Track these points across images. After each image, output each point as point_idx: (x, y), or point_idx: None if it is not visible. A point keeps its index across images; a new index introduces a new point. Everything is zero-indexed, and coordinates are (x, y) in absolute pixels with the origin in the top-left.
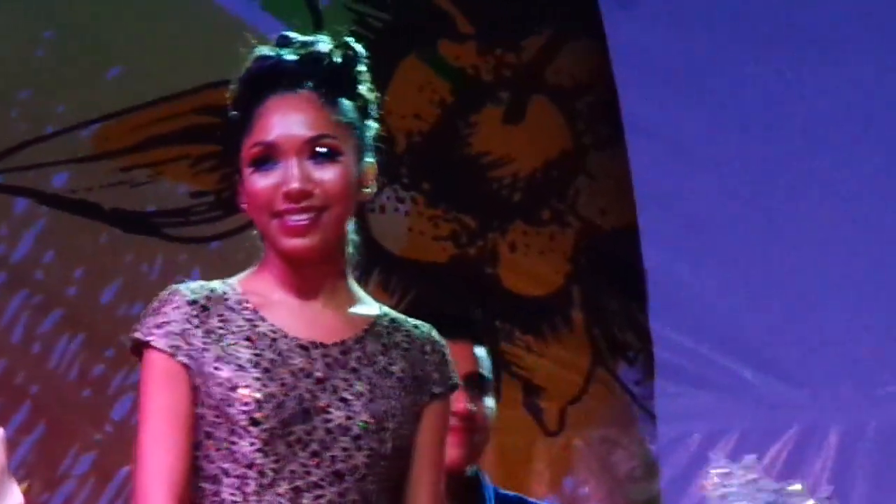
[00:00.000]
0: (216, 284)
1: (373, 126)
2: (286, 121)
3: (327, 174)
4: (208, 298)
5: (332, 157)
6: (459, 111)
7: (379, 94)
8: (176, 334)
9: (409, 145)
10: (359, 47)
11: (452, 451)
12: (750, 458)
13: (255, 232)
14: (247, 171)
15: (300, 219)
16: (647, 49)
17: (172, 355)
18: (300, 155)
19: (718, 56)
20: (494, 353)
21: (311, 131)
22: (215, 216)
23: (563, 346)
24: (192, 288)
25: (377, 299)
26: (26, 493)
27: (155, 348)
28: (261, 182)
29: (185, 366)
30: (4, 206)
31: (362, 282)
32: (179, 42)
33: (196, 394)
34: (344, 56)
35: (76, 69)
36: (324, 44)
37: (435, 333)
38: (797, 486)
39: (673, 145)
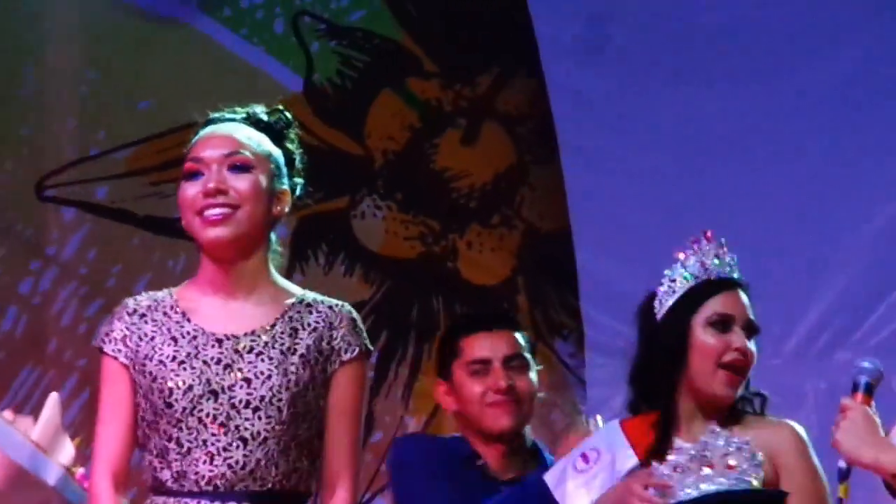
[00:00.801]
0: (161, 293)
1: (297, 180)
2: (212, 142)
3: (240, 181)
4: (148, 308)
5: (245, 169)
6: (425, 135)
7: (301, 148)
8: (119, 340)
9: (385, 162)
10: (289, 115)
11: (502, 420)
12: None
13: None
14: (182, 185)
15: (216, 212)
16: (577, 83)
17: (116, 358)
18: (220, 165)
19: (636, 87)
20: None
21: (228, 149)
22: None
23: None
24: (138, 299)
25: (355, 288)
26: (78, 448)
27: (106, 353)
28: (189, 189)
29: (126, 365)
30: (56, 215)
31: (348, 274)
32: (196, 79)
33: (135, 386)
34: (276, 119)
35: (113, 103)
36: (261, 110)
37: (347, 308)
38: None
39: (599, 162)
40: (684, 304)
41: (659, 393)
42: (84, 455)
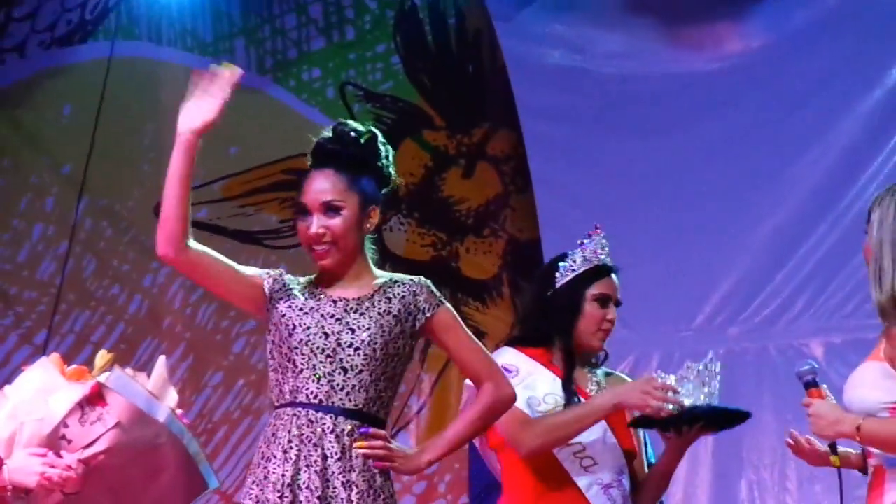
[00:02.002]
0: (303, 278)
1: (390, 179)
2: (312, 190)
3: (333, 222)
4: (296, 282)
5: (337, 211)
6: (436, 171)
7: (387, 162)
8: (274, 280)
9: (407, 191)
10: (378, 133)
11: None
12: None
13: None
14: (297, 217)
15: (320, 249)
16: (545, 134)
17: (265, 282)
18: (318, 211)
19: (588, 138)
20: (458, 313)
21: (323, 197)
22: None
23: (497, 308)
24: (290, 276)
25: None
26: (180, 395)
27: (265, 277)
28: (301, 225)
29: (264, 291)
30: None
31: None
32: (271, 131)
33: (250, 291)
34: (367, 139)
35: (211, 148)
36: (356, 131)
37: (424, 280)
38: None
39: (560, 191)
40: (581, 280)
41: (553, 337)
42: (186, 402)
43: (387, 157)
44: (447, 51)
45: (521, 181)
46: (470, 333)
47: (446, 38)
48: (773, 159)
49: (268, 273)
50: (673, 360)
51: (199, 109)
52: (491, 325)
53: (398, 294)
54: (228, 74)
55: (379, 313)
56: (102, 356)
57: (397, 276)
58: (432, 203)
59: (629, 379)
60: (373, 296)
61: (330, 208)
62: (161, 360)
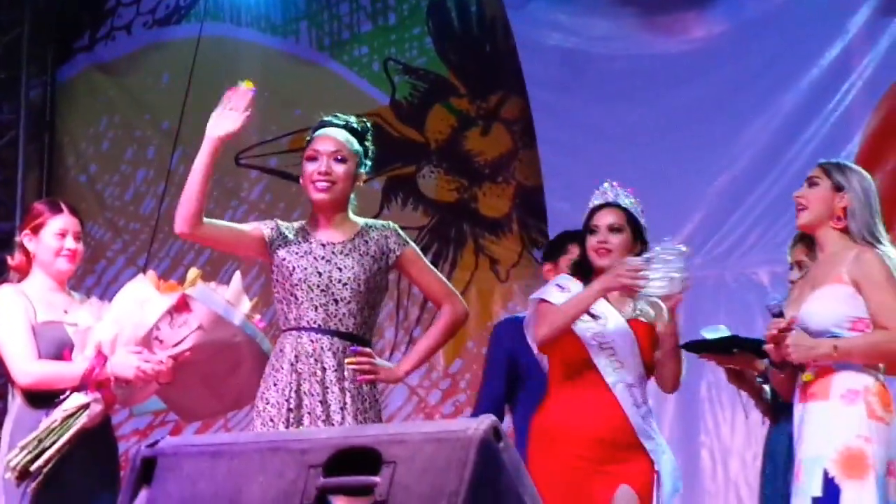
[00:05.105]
0: (296, 223)
1: (368, 161)
2: (325, 142)
3: (338, 168)
4: (290, 228)
5: (342, 161)
6: (460, 130)
7: (374, 148)
8: (272, 229)
9: (437, 146)
10: (368, 123)
11: None
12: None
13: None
14: (304, 164)
15: (322, 185)
16: (547, 101)
17: (265, 233)
18: (329, 157)
19: (583, 103)
20: (476, 245)
21: (334, 147)
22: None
23: (509, 240)
24: (284, 223)
25: (419, 218)
26: (254, 305)
27: (263, 228)
28: (309, 167)
29: (265, 241)
30: (246, 174)
31: (415, 210)
32: (327, 96)
33: (269, 255)
34: (362, 127)
35: (280, 109)
36: (354, 120)
37: (392, 225)
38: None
39: (559, 147)
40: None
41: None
42: (259, 312)
43: (371, 144)
44: (469, 33)
45: (527, 139)
46: (430, 266)
47: (469, 23)
48: (730, 123)
49: (265, 224)
50: None
51: (226, 120)
52: (502, 253)
53: (373, 238)
54: (244, 90)
55: (360, 254)
56: (192, 272)
57: (371, 221)
58: (457, 156)
59: (663, 305)
60: (353, 239)
61: (338, 157)
62: (237, 275)
